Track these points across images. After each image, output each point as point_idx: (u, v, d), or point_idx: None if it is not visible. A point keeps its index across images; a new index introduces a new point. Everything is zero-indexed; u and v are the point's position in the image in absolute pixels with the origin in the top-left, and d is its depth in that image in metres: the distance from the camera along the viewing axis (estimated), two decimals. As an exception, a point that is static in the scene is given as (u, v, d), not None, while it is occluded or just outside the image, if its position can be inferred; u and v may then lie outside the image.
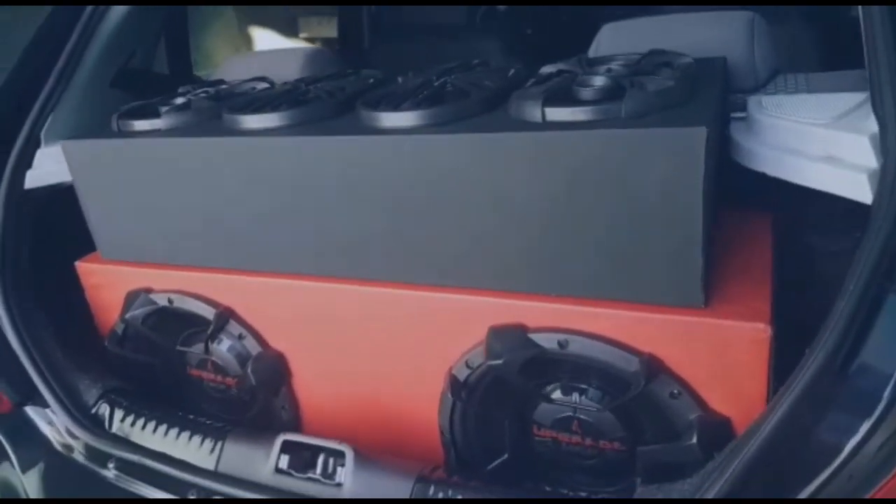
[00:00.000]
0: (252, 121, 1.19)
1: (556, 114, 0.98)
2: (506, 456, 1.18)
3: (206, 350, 1.38)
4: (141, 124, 1.31)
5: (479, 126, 1.03)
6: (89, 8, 1.53)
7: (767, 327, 0.92)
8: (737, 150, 1.11)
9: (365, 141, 1.08)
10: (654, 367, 0.99)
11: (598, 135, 0.94)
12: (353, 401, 1.29)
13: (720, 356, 0.96)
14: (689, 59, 1.12)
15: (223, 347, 1.40)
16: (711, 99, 0.99)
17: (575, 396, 1.12)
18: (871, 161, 0.86)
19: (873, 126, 0.88)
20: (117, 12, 1.56)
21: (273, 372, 1.31)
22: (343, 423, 1.31)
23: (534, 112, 1.00)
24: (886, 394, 0.78)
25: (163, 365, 1.48)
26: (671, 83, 0.99)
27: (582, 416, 1.13)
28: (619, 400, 1.03)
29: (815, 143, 0.95)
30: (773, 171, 1.01)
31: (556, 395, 1.13)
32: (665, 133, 0.89)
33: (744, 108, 1.20)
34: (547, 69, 1.18)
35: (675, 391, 1.00)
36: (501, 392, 1.14)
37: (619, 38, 1.38)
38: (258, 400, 1.38)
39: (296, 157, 1.15)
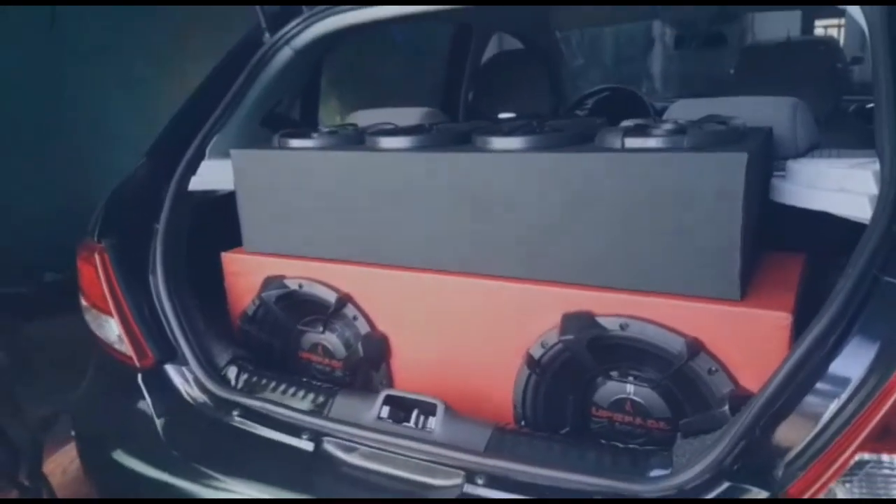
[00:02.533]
0: (388, 142, 1.54)
1: (633, 142, 1.29)
2: (567, 429, 1.41)
3: (325, 329, 1.67)
4: (296, 142, 1.67)
5: (571, 149, 1.34)
6: (258, 55, 1.93)
7: (789, 316, 1.17)
8: (775, 191, 1.38)
9: (478, 156, 1.40)
10: (695, 347, 1.23)
11: (663, 157, 1.24)
12: (441, 379, 1.54)
13: (750, 339, 1.21)
14: (741, 120, 1.42)
15: (335, 333, 1.69)
16: (755, 141, 1.28)
17: (631, 380, 1.36)
18: (872, 189, 1.13)
19: (877, 166, 1.15)
20: (278, 62, 1.96)
21: (378, 348, 1.58)
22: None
23: (615, 141, 1.31)
24: (869, 364, 1.01)
25: (281, 346, 1.77)
26: (723, 128, 1.29)
27: (635, 398, 1.36)
28: (668, 372, 1.27)
29: (832, 179, 1.22)
30: (800, 202, 1.28)
31: (615, 375, 1.37)
32: (716, 157, 1.19)
33: (784, 168, 1.49)
34: (626, 123, 1.49)
35: (713, 368, 1.23)
36: (570, 371, 1.38)
37: (686, 112, 1.70)
38: (359, 378, 1.65)
39: (420, 169, 1.47)
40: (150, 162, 1.85)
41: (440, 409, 1.35)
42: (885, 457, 0.99)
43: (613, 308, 1.32)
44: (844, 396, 1.02)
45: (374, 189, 1.53)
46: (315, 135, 1.68)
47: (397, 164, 1.51)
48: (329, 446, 1.40)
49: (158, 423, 1.62)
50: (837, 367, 1.04)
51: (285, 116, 2.20)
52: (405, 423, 1.37)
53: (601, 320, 1.31)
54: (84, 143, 3.75)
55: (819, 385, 1.04)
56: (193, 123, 1.88)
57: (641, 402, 1.36)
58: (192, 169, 1.83)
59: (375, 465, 1.36)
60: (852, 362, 1.03)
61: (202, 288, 1.77)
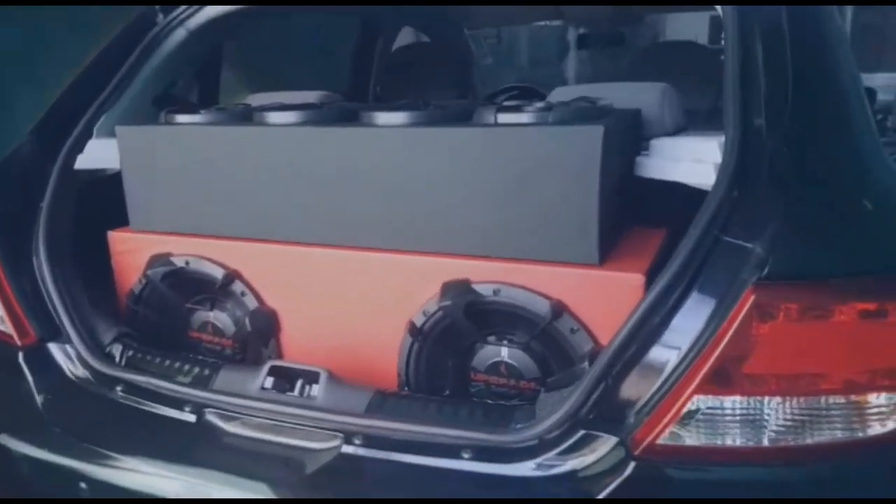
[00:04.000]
0: (275, 117, 1.56)
1: (504, 118, 1.37)
2: (447, 393, 1.47)
3: (214, 307, 1.68)
4: (183, 118, 1.67)
5: (449, 125, 1.41)
6: (151, 33, 1.92)
7: (642, 277, 1.27)
8: (639, 167, 1.48)
9: (362, 131, 1.45)
10: (559, 309, 1.32)
11: (529, 130, 1.32)
12: (329, 352, 1.57)
13: (608, 300, 1.30)
14: (608, 101, 1.52)
15: (224, 312, 1.70)
16: (615, 118, 1.37)
17: (505, 343, 1.44)
18: (718, 158, 1.24)
19: (722, 138, 1.26)
20: (171, 43, 1.96)
21: (266, 323, 1.60)
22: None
23: (489, 117, 1.38)
24: (707, 316, 1.11)
25: (169, 325, 1.76)
26: (587, 105, 1.38)
27: (508, 361, 1.44)
28: (534, 333, 1.35)
29: (685, 151, 1.34)
30: (658, 174, 1.39)
31: (491, 340, 1.44)
32: (575, 130, 1.28)
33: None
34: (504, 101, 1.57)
35: (574, 328, 1.32)
36: (449, 337, 1.44)
37: (564, 96, 1.80)
38: (249, 355, 1.66)
39: (305, 144, 1.51)
40: (35, 139, 1.81)
41: (323, 377, 1.39)
42: (719, 399, 1.09)
43: (489, 275, 1.39)
44: (685, 346, 1.11)
45: (260, 164, 1.56)
46: (203, 111, 1.69)
47: (283, 140, 1.54)
48: (211, 417, 1.42)
49: (40, 401, 1.59)
50: (680, 320, 1.13)
51: (180, 98, 2.18)
52: (289, 393, 1.40)
53: (477, 287, 1.38)
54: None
55: (663, 337, 1.14)
56: (81, 101, 1.85)
57: (514, 364, 1.43)
58: (78, 147, 1.80)
59: (257, 434, 1.38)
60: (693, 315, 1.12)
61: (91, 268, 1.75)
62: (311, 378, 1.40)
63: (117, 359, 1.59)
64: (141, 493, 1.38)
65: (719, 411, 1.11)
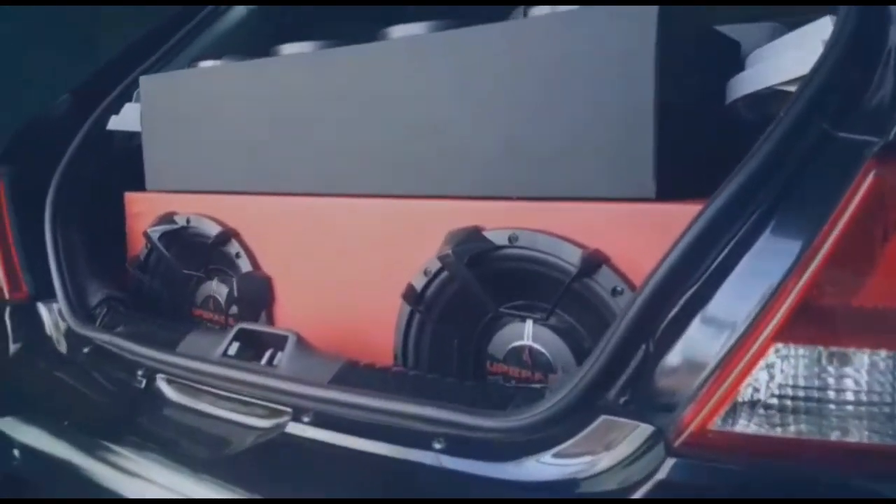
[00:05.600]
0: (288, 48, 1.35)
1: (537, 11, 1.05)
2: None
3: (208, 273, 1.45)
4: (205, 63, 1.50)
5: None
6: (209, 7, 1.82)
7: None
8: (730, 90, 1.09)
9: (370, 47, 1.19)
10: (594, 259, 0.94)
11: (562, 17, 0.99)
12: (324, 325, 1.26)
13: (667, 246, 0.90)
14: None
15: (224, 283, 1.45)
16: (685, 14, 1.01)
17: (528, 320, 1.06)
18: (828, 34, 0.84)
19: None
20: (231, 17, 1.84)
21: (257, 290, 1.33)
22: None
23: (518, 13, 1.07)
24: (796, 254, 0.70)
25: (171, 298, 1.54)
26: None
27: (533, 345, 1.06)
28: (559, 293, 0.97)
29: (789, 40, 0.95)
30: (752, 84, 1.00)
31: (510, 310, 1.07)
32: (621, 10, 0.93)
33: None
34: None
35: (618, 287, 0.93)
36: (459, 308, 1.10)
37: None
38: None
39: (317, 71, 1.27)
40: (72, 98, 1.72)
41: (290, 342, 1.09)
42: (815, 349, 0.66)
43: (505, 220, 1.04)
44: (763, 296, 0.69)
45: (268, 102, 1.34)
46: (226, 57, 1.52)
47: (292, 69, 1.31)
48: (161, 384, 1.16)
49: (10, 356, 1.42)
50: (752, 259, 0.72)
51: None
52: (254, 361, 1.11)
53: (488, 234, 1.04)
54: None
55: (732, 279, 0.73)
56: (127, 67, 1.75)
57: (542, 349, 1.05)
58: (113, 108, 1.68)
59: (201, 405, 1.10)
60: (781, 246, 0.71)
61: (107, 233, 1.60)
62: (280, 344, 1.10)
63: (98, 321, 1.39)
64: (64, 464, 1.13)
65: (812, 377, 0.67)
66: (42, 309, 1.45)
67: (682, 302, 0.75)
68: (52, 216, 1.51)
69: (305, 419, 0.97)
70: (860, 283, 0.65)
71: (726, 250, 0.74)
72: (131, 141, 1.68)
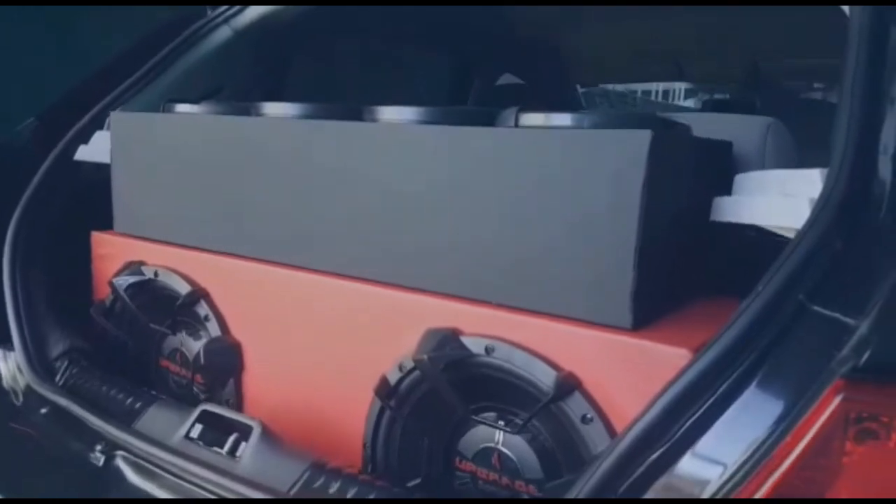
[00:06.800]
0: (270, 108, 1.30)
1: (528, 119, 1.02)
2: (419, 480, 1.09)
3: (178, 331, 1.40)
4: (182, 107, 1.45)
5: (455, 124, 1.08)
6: (191, 28, 1.75)
7: (689, 354, 0.85)
8: (716, 210, 1.08)
9: (357, 126, 1.15)
10: (568, 384, 0.93)
11: (553, 134, 0.96)
12: (296, 407, 1.24)
13: (639, 382, 0.89)
14: (686, 123, 1.14)
15: (195, 340, 1.41)
16: (678, 133, 0.99)
17: (501, 424, 1.05)
18: (816, 191, 0.83)
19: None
20: (214, 40, 1.77)
21: (224, 357, 1.30)
22: (277, 427, 1.27)
23: (509, 119, 1.04)
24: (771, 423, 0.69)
25: (137, 348, 1.50)
26: (643, 115, 1.01)
27: (503, 449, 1.05)
28: (532, 412, 0.95)
29: (775, 182, 0.93)
30: (735, 216, 0.98)
31: (484, 418, 1.06)
32: (612, 134, 0.91)
33: None
34: None
35: (588, 415, 0.92)
36: (431, 408, 1.08)
37: None
38: (214, 398, 1.36)
39: (297, 138, 1.23)
40: (39, 124, 1.65)
41: (255, 434, 1.06)
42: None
43: (484, 327, 1.02)
44: (732, 463, 0.69)
45: (243, 162, 1.29)
46: (203, 103, 1.46)
47: (269, 132, 1.27)
48: (120, 463, 1.12)
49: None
50: (729, 421, 0.72)
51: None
52: (216, 448, 1.08)
53: (466, 340, 1.02)
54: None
55: (701, 445, 0.73)
56: (98, 91, 1.68)
57: (510, 455, 1.04)
58: (82, 136, 1.62)
59: (164, 493, 1.06)
60: (749, 415, 0.71)
61: (72, 274, 1.54)
62: (244, 432, 1.08)
63: (58, 375, 1.34)
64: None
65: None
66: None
67: (649, 461, 0.75)
68: (11, 253, 1.45)
69: (267, 531, 0.95)
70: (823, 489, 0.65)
71: (698, 414, 0.73)
72: (99, 172, 1.62)
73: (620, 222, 0.91)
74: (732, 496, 0.67)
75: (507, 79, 3.18)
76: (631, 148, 0.89)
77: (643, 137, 0.88)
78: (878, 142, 0.82)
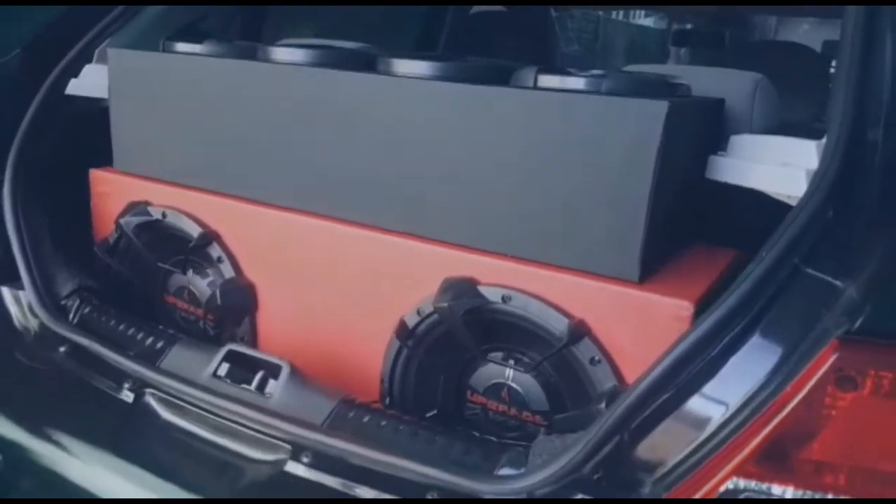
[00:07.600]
0: (281, 53, 1.31)
1: (546, 81, 1.07)
2: (434, 412, 1.20)
3: (185, 270, 1.45)
4: (183, 47, 1.44)
5: (476, 83, 1.12)
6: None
7: (691, 306, 0.96)
8: (711, 168, 1.16)
9: (373, 79, 1.18)
10: (579, 331, 1.03)
11: (574, 98, 1.02)
12: (311, 344, 1.32)
13: (643, 330, 1.00)
14: (686, 83, 1.21)
15: (202, 277, 1.46)
16: (687, 100, 1.06)
17: (511, 363, 1.15)
18: (813, 162, 0.92)
19: (825, 140, 0.95)
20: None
21: (240, 298, 1.35)
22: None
23: (528, 79, 1.09)
24: (769, 370, 0.81)
25: (143, 285, 1.54)
26: (654, 78, 1.08)
27: (512, 385, 1.15)
28: (545, 356, 1.06)
29: (774, 151, 1.02)
30: (734, 178, 1.08)
31: (496, 357, 1.16)
32: (631, 103, 0.97)
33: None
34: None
35: (596, 357, 1.03)
36: (446, 348, 1.17)
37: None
38: (226, 332, 1.42)
39: (306, 87, 1.25)
40: (24, 55, 1.61)
41: (284, 372, 1.14)
42: (766, 486, 0.78)
43: (499, 278, 1.10)
44: (733, 404, 0.81)
45: (257, 107, 1.31)
46: (205, 42, 1.45)
47: (283, 80, 1.29)
48: (151, 400, 1.19)
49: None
50: (732, 369, 0.83)
51: (203, 34, 1.96)
52: (244, 385, 1.16)
53: (483, 290, 1.10)
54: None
55: (706, 387, 0.84)
56: (86, 21, 1.64)
57: (519, 389, 1.15)
58: (72, 70, 1.59)
59: (197, 428, 1.15)
60: (750, 365, 0.82)
61: (69, 209, 1.55)
62: (272, 371, 1.15)
63: (71, 314, 1.38)
64: (55, 473, 1.17)
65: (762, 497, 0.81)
66: (8, 296, 1.42)
67: (657, 404, 0.86)
68: (12, 192, 1.45)
69: (304, 459, 1.04)
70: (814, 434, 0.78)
71: (704, 364, 0.85)
72: (91, 105, 1.61)
73: (633, 185, 0.99)
74: (738, 434, 0.79)
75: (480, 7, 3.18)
76: (649, 117, 0.96)
77: (660, 108, 0.95)
78: (871, 118, 0.91)
